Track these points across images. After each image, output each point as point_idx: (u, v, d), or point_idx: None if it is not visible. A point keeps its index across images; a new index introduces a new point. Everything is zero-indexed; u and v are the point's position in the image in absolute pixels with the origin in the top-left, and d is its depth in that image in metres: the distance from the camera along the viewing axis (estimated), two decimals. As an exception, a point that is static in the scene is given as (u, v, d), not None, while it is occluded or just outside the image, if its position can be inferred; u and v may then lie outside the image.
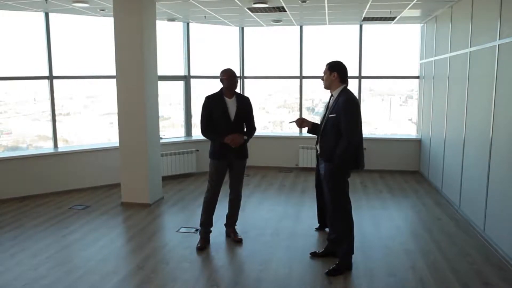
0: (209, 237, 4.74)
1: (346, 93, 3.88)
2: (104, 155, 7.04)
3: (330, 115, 3.88)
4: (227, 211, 4.84)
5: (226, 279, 3.89)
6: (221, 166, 4.57)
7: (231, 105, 4.49)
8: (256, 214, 5.73)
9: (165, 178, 7.12)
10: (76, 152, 6.90)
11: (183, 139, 8.08)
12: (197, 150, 7.85)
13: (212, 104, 4.49)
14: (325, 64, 4.01)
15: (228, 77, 4.45)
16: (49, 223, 5.39)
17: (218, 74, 4.50)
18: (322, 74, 4.05)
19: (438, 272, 3.97)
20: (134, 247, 4.69)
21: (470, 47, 5.36)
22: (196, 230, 5.03)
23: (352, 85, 8.38)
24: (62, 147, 7.08)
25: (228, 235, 4.86)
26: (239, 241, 4.72)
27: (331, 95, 4.04)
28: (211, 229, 4.75)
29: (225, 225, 4.89)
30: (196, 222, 4.87)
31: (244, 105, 4.58)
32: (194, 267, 4.13)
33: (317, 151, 4.26)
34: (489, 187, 4.67)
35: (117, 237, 5.05)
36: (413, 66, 8.53)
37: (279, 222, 5.40)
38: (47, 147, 7.11)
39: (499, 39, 4.47)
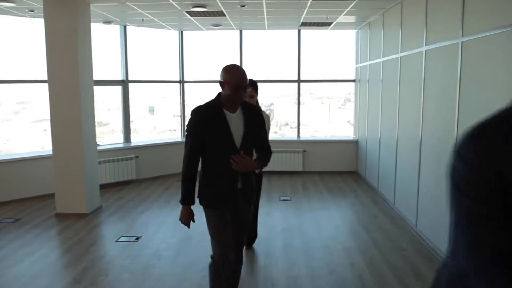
0: None
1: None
2: (36, 164, 6.65)
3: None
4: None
5: (168, 288, 3.81)
6: (226, 216, 2.91)
7: (236, 122, 2.87)
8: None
9: (103, 186, 6.86)
10: (5, 162, 6.45)
11: (121, 145, 7.84)
12: (137, 157, 7.65)
13: (206, 122, 2.85)
14: (250, 84, 3.57)
15: (234, 86, 2.78)
16: (-25, 239, 5.01)
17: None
18: (247, 93, 3.81)
19: (375, 268, 4.14)
20: (70, 260, 4.47)
21: (401, 52, 5.66)
22: (137, 238, 4.88)
23: (292, 89, 8.62)
24: (-12, 156, 6.61)
25: None
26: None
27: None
28: None
29: None
30: (136, 231, 4.72)
31: (255, 119, 2.98)
32: (135, 277, 4.00)
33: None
34: (420, 184, 4.95)
35: (51, 250, 4.79)
36: (350, 70, 8.87)
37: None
38: (-29, 157, 6.62)
39: (425, 46, 4.75)
